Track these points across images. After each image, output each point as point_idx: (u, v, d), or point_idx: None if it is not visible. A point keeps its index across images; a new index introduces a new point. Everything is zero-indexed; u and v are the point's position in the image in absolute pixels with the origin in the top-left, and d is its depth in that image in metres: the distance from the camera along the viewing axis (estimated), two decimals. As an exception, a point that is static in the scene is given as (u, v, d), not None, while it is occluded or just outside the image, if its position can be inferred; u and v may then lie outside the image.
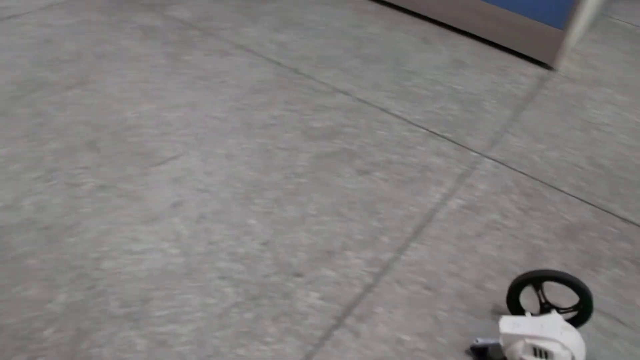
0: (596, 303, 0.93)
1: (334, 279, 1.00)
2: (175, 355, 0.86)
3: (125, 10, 1.77)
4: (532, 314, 0.89)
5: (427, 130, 1.41)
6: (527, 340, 0.81)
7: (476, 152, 1.36)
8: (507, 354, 0.84)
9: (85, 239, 1.03)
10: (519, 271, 1.04)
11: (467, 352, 0.91)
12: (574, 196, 1.26)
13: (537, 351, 0.81)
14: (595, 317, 0.97)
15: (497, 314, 0.97)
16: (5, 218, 1.05)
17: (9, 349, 0.85)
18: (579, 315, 0.89)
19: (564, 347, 0.80)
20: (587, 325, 0.91)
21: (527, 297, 0.93)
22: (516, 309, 0.94)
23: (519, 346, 0.82)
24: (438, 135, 1.39)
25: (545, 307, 0.90)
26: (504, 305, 0.97)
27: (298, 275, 1.00)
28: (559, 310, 0.89)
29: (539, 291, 0.90)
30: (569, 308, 0.90)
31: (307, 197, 1.16)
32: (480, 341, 0.90)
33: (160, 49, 1.59)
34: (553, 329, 0.82)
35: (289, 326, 0.92)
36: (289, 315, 0.93)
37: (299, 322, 0.93)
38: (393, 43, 1.77)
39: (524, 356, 0.82)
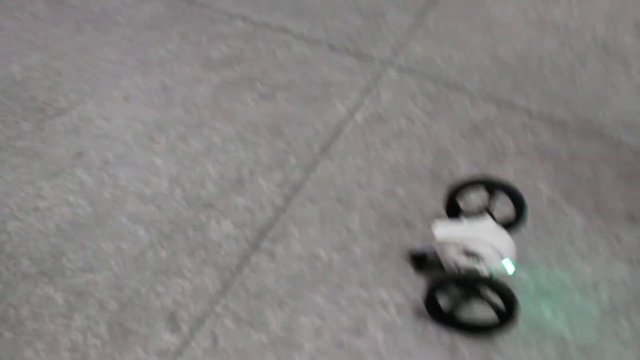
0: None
1: (245, 205, 1.00)
2: (96, 303, 0.85)
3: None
4: (467, 218, 0.92)
5: (328, 46, 1.39)
6: (459, 243, 0.84)
7: (379, 63, 1.35)
8: (442, 260, 0.87)
9: (-17, 203, 0.99)
10: (427, 175, 1.06)
11: (405, 258, 0.93)
12: (478, 95, 1.28)
13: (469, 253, 0.83)
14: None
15: (407, 221, 0.99)
16: None
17: None
18: (514, 222, 0.92)
19: (494, 249, 0.83)
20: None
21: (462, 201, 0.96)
22: (453, 212, 0.95)
23: (452, 250, 0.84)
24: (340, 50, 1.38)
25: (480, 212, 0.92)
26: (415, 210, 1.00)
27: (209, 206, 1.00)
28: (493, 215, 0.91)
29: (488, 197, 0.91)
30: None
31: (211, 128, 1.14)
32: (418, 247, 0.92)
33: (39, -5, 1.49)
34: (485, 232, 0.85)
35: (205, 258, 0.92)
36: (204, 248, 0.93)
37: (215, 253, 0.93)
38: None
39: (458, 258, 0.84)
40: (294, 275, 0.90)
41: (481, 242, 0.84)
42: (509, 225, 0.92)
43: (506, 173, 1.09)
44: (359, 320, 0.84)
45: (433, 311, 0.85)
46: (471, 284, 0.82)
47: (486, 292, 0.82)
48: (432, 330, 0.84)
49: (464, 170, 1.08)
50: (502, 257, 0.83)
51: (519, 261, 0.89)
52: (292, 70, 1.30)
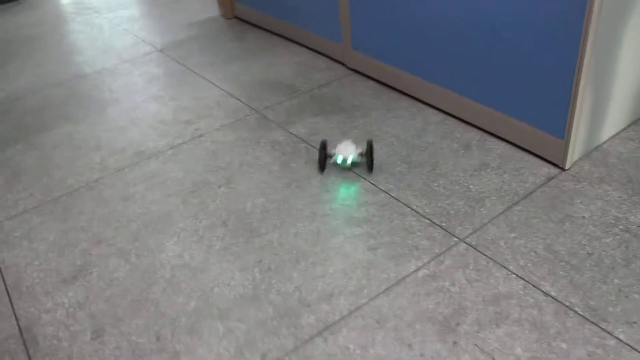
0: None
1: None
2: None
3: (264, 129, 2.76)
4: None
5: (430, 220, 2.13)
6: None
7: (457, 238, 2.05)
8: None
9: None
10: (439, 322, 1.74)
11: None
12: (516, 274, 1.89)
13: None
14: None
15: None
16: None
17: None
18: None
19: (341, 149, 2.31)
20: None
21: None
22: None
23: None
24: (436, 225, 2.11)
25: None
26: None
27: None
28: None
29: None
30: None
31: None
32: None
33: (278, 159, 2.53)
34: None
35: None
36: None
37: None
38: (439, 150, 2.49)
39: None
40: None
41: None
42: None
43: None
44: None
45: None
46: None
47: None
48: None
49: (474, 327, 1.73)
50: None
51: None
52: (397, 233, 2.08)
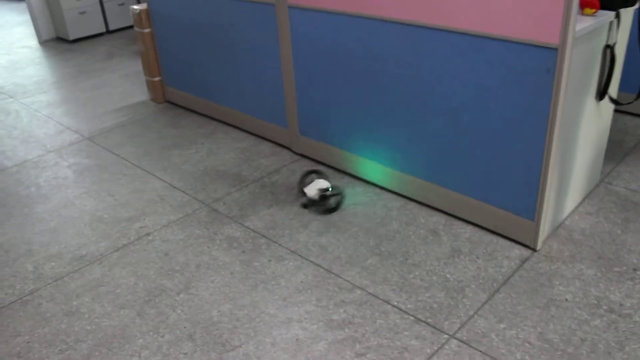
0: None
1: None
2: None
3: (217, 224, 2.57)
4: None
5: (414, 317, 2.00)
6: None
7: (447, 335, 1.93)
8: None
9: (181, 409, 1.72)
10: None
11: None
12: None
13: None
14: None
15: None
16: (137, 394, 1.77)
17: None
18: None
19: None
20: None
21: None
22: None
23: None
24: (422, 321, 1.99)
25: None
26: None
27: None
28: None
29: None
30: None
31: (318, 376, 1.80)
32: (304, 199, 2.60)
33: (237, 257, 2.34)
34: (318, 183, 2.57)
35: None
36: None
37: None
38: (406, 238, 2.40)
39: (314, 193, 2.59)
40: None
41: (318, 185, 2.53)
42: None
43: None
44: None
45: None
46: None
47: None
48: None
49: None
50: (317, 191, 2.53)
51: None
52: (383, 334, 1.93)
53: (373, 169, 2.73)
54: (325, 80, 2.72)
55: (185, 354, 1.92)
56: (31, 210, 2.87)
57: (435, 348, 1.88)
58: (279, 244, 2.40)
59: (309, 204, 2.64)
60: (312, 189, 2.60)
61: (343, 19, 2.51)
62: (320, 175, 2.72)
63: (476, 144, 2.29)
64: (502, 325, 1.95)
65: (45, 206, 2.89)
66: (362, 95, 2.60)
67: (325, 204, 2.61)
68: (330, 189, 2.59)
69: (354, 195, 2.70)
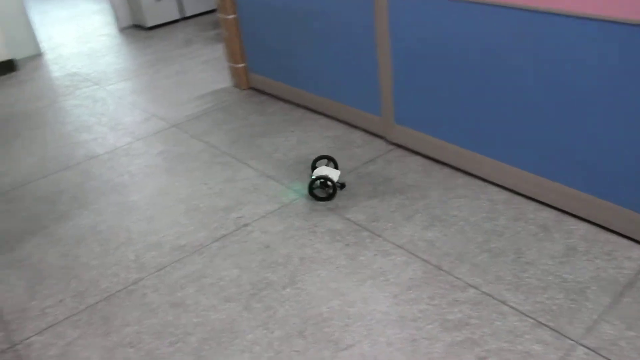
0: None
1: None
2: None
3: (317, 215, 2.52)
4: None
5: (534, 320, 1.91)
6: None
7: (572, 340, 1.82)
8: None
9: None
10: None
11: None
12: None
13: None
14: None
15: None
16: (254, 391, 1.75)
17: None
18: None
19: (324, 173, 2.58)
20: None
21: None
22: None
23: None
24: (543, 324, 1.89)
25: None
26: None
27: None
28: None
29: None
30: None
31: (440, 380, 1.73)
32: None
33: (341, 251, 2.29)
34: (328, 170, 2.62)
35: None
36: None
37: None
38: (516, 234, 2.29)
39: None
40: None
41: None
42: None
43: None
44: None
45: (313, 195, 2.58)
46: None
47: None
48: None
49: None
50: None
51: None
52: (503, 337, 1.84)
53: (474, 160, 2.62)
54: (427, 67, 2.62)
55: (298, 351, 1.88)
56: (126, 199, 2.89)
57: (561, 354, 1.78)
58: (383, 238, 2.33)
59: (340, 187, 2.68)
60: (330, 173, 2.62)
61: (449, 3, 2.40)
62: (329, 161, 2.78)
63: (600, 139, 2.15)
64: (631, 333, 1.83)
65: (140, 194, 2.91)
66: (469, 85, 2.48)
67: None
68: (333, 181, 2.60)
69: (455, 188, 2.60)
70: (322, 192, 2.66)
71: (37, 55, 5.58)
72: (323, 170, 2.65)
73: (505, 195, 2.53)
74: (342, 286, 2.12)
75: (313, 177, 2.61)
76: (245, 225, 2.54)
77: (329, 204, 2.59)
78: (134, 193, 2.93)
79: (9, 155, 3.59)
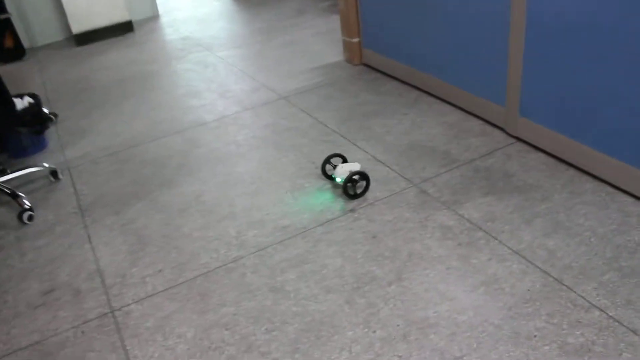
0: None
1: None
2: None
3: (428, 208, 2.38)
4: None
5: (670, 356, 1.69)
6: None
7: None
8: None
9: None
10: None
11: None
12: None
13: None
14: None
15: None
16: (352, 394, 1.66)
17: None
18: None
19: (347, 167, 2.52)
20: None
21: None
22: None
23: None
24: (680, 363, 1.67)
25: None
26: None
27: None
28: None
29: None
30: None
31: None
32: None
33: (453, 250, 2.14)
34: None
35: None
36: None
37: None
38: (652, 254, 2.05)
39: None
40: None
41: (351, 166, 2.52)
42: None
43: None
44: None
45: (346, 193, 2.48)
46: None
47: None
48: None
49: None
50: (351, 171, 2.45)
51: None
52: (632, 374, 1.65)
53: (607, 164, 2.37)
54: (566, 56, 2.37)
55: (400, 356, 1.77)
56: (232, 169, 2.87)
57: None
58: (499, 241, 2.16)
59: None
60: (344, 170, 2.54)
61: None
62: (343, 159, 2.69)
63: None
64: None
65: (246, 167, 2.88)
66: (623, 78, 2.22)
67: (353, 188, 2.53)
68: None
69: (582, 193, 2.37)
70: (352, 188, 2.51)
71: (154, 17, 5.70)
72: (345, 167, 2.55)
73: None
74: (452, 290, 1.98)
75: (342, 178, 2.51)
76: (352, 210, 2.44)
77: (442, 197, 2.44)
78: (240, 164, 2.91)
79: (122, 115, 3.67)
